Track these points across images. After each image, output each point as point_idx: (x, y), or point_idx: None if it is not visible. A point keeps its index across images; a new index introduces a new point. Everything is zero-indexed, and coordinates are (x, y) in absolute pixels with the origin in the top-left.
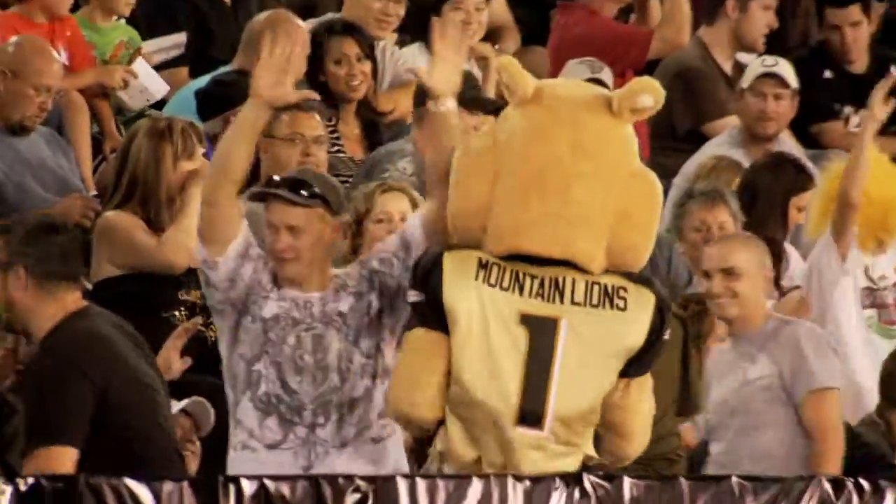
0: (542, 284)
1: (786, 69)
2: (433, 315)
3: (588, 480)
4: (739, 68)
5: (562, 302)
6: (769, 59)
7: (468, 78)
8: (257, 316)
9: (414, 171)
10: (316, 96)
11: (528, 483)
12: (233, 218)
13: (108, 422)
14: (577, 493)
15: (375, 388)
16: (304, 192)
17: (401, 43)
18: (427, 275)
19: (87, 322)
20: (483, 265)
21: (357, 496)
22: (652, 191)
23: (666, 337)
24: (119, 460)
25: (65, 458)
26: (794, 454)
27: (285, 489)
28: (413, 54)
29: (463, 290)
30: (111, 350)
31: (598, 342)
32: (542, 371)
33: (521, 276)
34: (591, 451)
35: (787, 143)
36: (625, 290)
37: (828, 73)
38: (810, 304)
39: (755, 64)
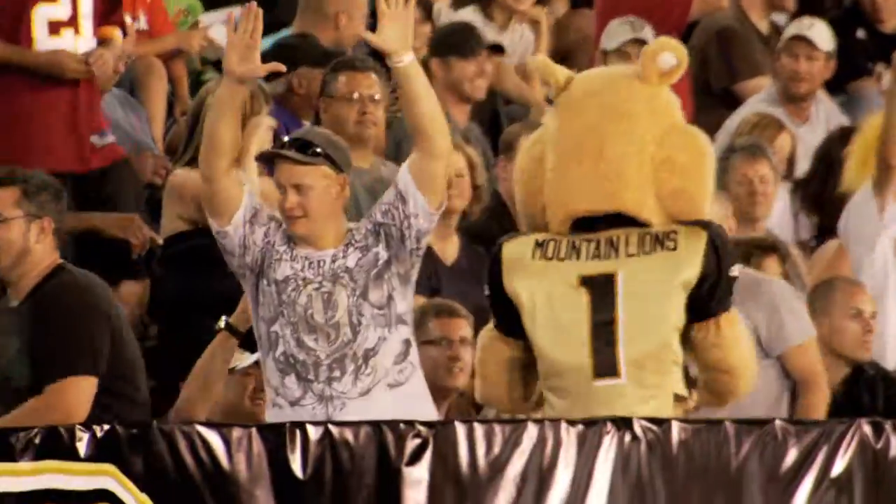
0: (597, 246)
1: (820, 32)
2: (499, 305)
3: (638, 424)
4: (776, 28)
5: (617, 257)
6: (806, 21)
7: (463, 27)
8: (271, 278)
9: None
10: (283, 68)
11: (580, 427)
12: (230, 189)
13: (113, 357)
14: (627, 437)
15: (389, 337)
16: (308, 151)
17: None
18: (490, 269)
19: (77, 270)
20: (539, 244)
21: (418, 441)
22: (694, 141)
23: (734, 273)
24: (111, 396)
25: (89, 387)
26: (774, 408)
27: (349, 434)
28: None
29: (520, 272)
30: (109, 293)
31: (654, 283)
32: (607, 323)
33: (577, 243)
34: (681, 391)
35: (825, 102)
36: (675, 232)
37: (860, 33)
38: (847, 254)
39: (792, 26)
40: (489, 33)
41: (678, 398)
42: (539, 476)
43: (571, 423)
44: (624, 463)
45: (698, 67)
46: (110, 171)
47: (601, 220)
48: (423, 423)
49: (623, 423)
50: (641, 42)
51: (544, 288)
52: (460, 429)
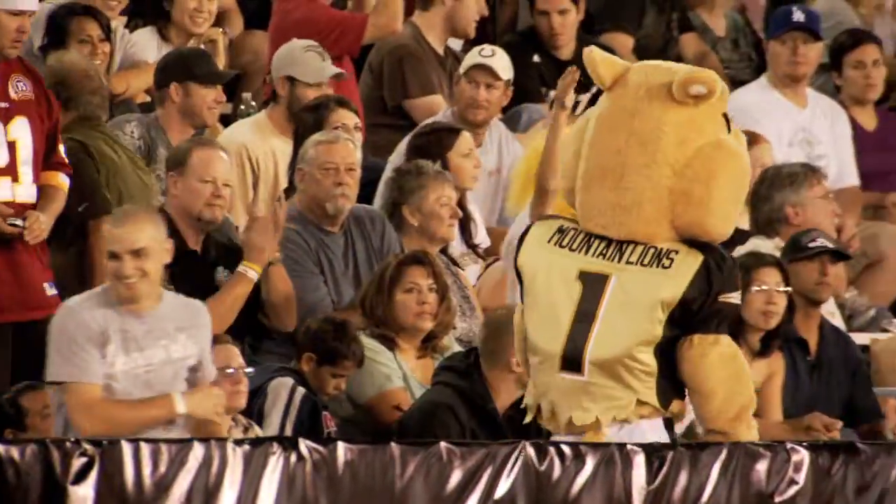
0: (608, 246)
1: (500, 60)
2: (519, 278)
3: (304, 444)
4: (452, 52)
5: (619, 261)
6: (487, 50)
7: (203, 56)
8: None
9: (140, 135)
10: None
11: (247, 447)
12: None
13: None
14: (293, 457)
15: None
16: None
17: (132, 27)
18: (517, 245)
19: None
20: (560, 230)
21: (84, 459)
22: (709, 170)
23: (732, 299)
24: None
25: None
26: None
27: (15, 452)
28: (145, 38)
29: (534, 252)
30: None
31: (639, 295)
32: (587, 320)
33: (591, 238)
34: (652, 400)
35: (499, 127)
36: (676, 252)
37: (536, 58)
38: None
39: (473, 52)
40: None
41: (652, 408)
42: (205, 495)
43: (238, 442)
44: (289, 482)
45: (373, 84)
46: None
47: None
48: (90, 442)
49: (289, 444)
50: (338, 76)
51: (548, 271)
52: (126, 447)
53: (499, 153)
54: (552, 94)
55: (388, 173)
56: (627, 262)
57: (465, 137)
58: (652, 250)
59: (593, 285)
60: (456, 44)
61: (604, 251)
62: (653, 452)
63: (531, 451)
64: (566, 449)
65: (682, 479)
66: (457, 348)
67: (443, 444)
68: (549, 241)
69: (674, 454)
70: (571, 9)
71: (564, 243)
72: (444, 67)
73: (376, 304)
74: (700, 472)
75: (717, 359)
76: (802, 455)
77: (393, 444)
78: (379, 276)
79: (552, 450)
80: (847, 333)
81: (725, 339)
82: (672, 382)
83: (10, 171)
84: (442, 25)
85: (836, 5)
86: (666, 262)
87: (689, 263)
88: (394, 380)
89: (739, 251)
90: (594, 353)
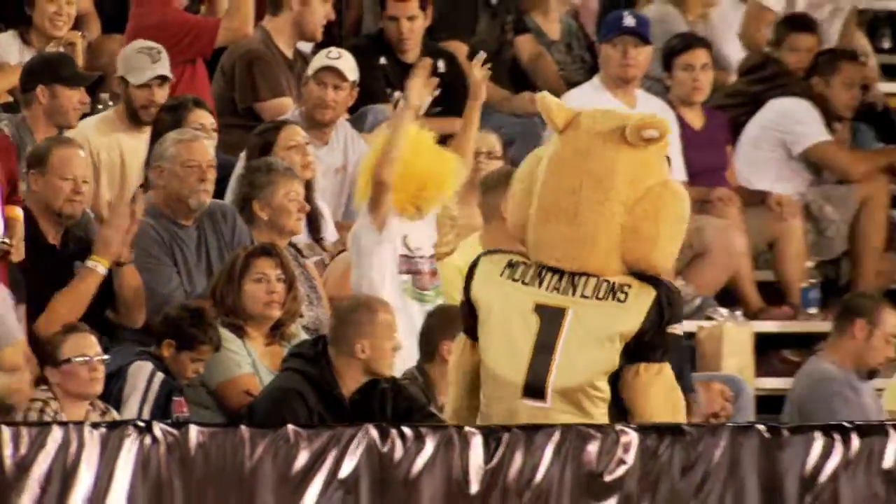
0: (560, 279)
1: (347, 62)
2: (467, 311)
3: (158, 427)
4: (301, 55)
5: (573, 295)
6: (334, 52)
7: (67, 59)
8: None
9: (12, 133)
10: None
11: (103, 430)
12: None
13: None
14: (147, 439)
15: None
16: None
17: None
18: (466, 277)
19: None
20: (511, 265)
21: None
22: (663, 208)
23: (676, 330)
24: None
25: None
26: None
27: None
28: (6, 41)
29: (487, 287)
30: None
31: (596, 328)
32: (547, 351)
33: (543, 272)
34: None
35: (345, 127)
36: (629, 286)
37: (382, 60)
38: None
39: (321, 55)
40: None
41: None
42: (63, 476)
43: (95, 425)
44: (144, 463)
45: (225, 86)
46: None
47: None
48: None
49: (144, 426)
50: (163, 78)
51: (503, 304)
52: None
53: (345, 151)
54: (397, 95)
55: (238, 170)
56: (582, 296)
57: (288, 131)
58: (605, 283)
59: (551, 318)
60: (305, 46)
61: (557, 285)
62: (489, 434)
63: (374, 433)
64: (407, 431)
65: (518, 459)
66: (304, 336)
67: (290, 427)
68: (500, 276)
69: (509, 436)
70: (419, 15)
71: (517, 277)
72: (292, 70)
73: (226, 293)
74: (534, 452)
75: (660, 389)
76: (631, 436)
77: (243, 427)
78: (229, 266)
79: (394, 432)
80: None
81: (667, 369)
82: (619, 407)
83: None
84: (290, 30)
85: (665, 11)
86: (621, 295)
87: (643, 297)
88: (243, 366)
89: None
90: (557, 382)
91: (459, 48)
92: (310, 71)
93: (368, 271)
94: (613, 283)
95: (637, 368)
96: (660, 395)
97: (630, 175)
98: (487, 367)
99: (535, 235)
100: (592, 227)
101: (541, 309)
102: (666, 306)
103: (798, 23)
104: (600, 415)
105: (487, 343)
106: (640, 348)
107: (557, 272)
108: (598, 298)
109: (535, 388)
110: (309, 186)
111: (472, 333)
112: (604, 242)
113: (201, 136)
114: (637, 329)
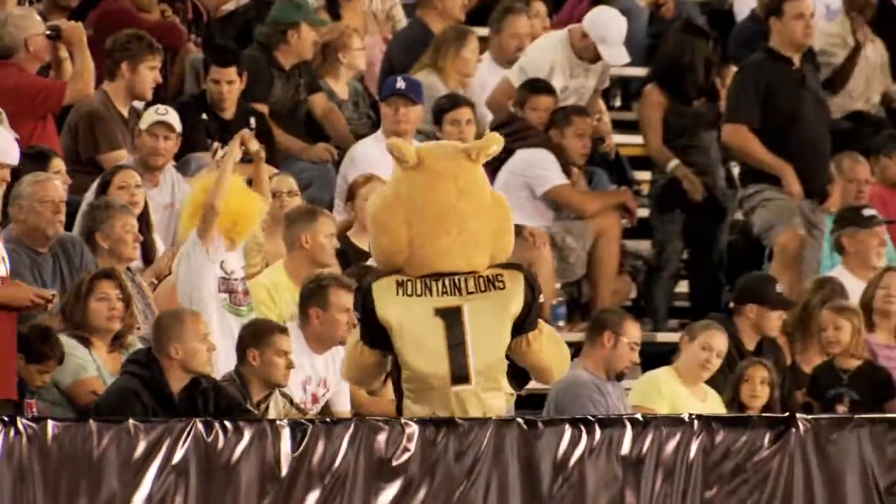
0: (444, 285)
1: (173, 117)
2: (370, 326)
3: (21, 422)
4: (135, 112)
5: (461, 295)
6: (161, 109)
7: None
8: None
9: None
10: None
11: None
12: None
13: None
14: (13, 431)
15: None
16: None
17: None
18: (362, 301)
19: None
20: (400, 284)
21: None
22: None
23: (541, 300)
24: None
25: None
26: None
27: None
28: None
29: (389, 304)
30: None
31: (492, 314)
32: (460, 344)
33: (428, 282)
34: (509, 389)
35: (171, 171)
36: (501, 275)
37: (204, 116)
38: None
39: (151, 111)
40: None
41: (510, 395)
42: None
43: None
44: (9, 452)
45: (71, 140)
46: None
47: None
48: None
49: (9, 421)
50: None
51: (408, 316)
52: None
53: (172, 191)
54: (216, 144)
55: (83, 207)
56: (469, 293)
57: (122, 175)
58: (482, 279)
59: (451, 317)
60: (138, 103)
61: (444, 289)
62: (296, 426)
63: (201, 426)
64: (228, 424)
65: (320, 448)
66: (139, 345)
67: (130, 420)
68: (396, 295)
69: (313, 428)
70: (237, 80)
71: (409, 292)
72: (127, 125)
73: (75, 310)
74: (333, 442)
75: (546, 344)
76: (414, 428)
77: (91, 421)
78: (76, 288)
79: (217, 425)
80: None
81: (545, 327)
82: (513, 370)
83: None
84: (125, 92)
85: (431, 80)
86: (499, 284)
87: (515, 281)
88: (89, 370)
89: None
90: (477, 365)
91: (262, 107)
92: (143, 125)
93: (198, 288)
94: (487, 276)
95: (527, 338)
96: (549, 350)
97: (484, 186)
98: (412, 369)
99: (425, 252)
100: (476, 233)
101: (440, 312)
102: (534, 282)
103: (537, 86)
104: (506, 384)
105: (406, 350)
106: (525, 321)
107: (439, 279)
108: (481, 291)
109: (460, 376)
110: (143, 219)
111: (371, 342)
112: (484, 244)
113: (53, 178)
114: (522, 306)
